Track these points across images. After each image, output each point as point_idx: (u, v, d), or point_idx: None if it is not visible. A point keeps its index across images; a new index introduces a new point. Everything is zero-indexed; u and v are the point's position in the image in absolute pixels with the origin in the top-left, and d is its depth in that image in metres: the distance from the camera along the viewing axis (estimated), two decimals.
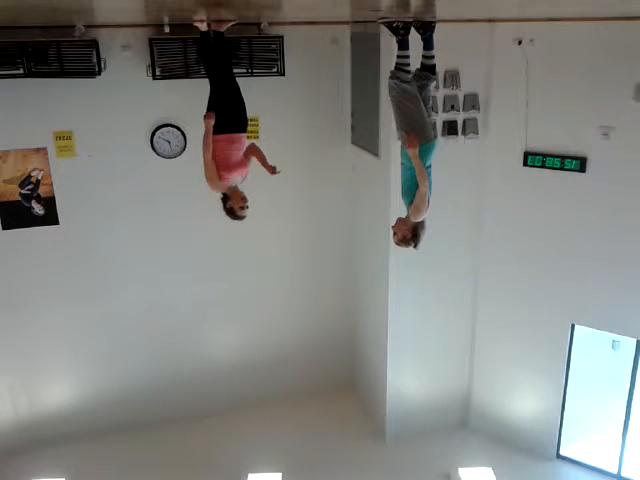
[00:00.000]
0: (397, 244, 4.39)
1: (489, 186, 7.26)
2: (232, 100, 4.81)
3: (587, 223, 6.78)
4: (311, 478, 7.39)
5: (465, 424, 8.20)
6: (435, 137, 4.26)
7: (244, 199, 4.72)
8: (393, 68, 4.17)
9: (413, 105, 4.01)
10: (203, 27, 4.80)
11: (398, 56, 4.15)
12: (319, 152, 7.77)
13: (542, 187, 6.96)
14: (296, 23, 6.62)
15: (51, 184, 7.19)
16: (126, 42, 6.79)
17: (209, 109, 4.75)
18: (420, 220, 4.28)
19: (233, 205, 4.73)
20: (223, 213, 7.69)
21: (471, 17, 6.35)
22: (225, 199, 4.76)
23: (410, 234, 4.33)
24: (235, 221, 4.81)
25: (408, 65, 4.11)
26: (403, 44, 4.13)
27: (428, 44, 4.24)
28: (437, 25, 4.33)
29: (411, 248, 4.46)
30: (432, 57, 4.26)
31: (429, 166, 4.23)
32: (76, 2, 4.09)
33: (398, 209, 6.81)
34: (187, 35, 6.73)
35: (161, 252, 7.72)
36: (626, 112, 6.27)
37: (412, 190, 4.21)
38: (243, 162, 4.81)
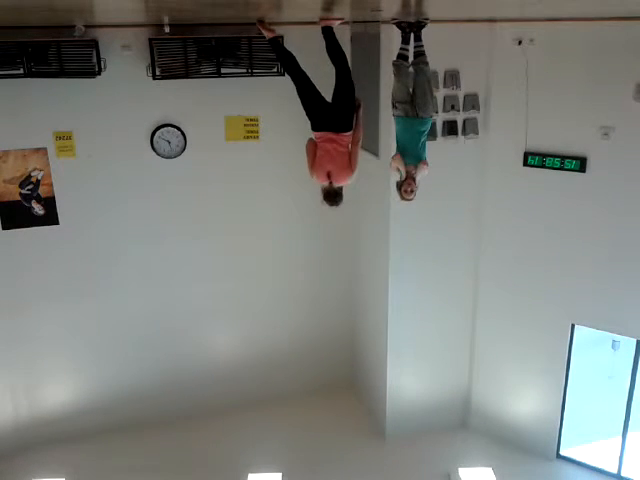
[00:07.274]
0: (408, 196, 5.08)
1: (489, 186, 7.26)
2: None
3: (587, 223, 6.78)
4: (311, 478, 7.40)
5: (465, 424, 8.20)
6: (416, 114, 4.97)
7: None
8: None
9: (403, 86, 5.04)
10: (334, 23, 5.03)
11: (401, 48, 5.06)
12: None
13: (542, 187, 6.95)
14: (296, 23, 6.61)
15: (51, 184, 7.19)
16: (126, 42, 6.80)
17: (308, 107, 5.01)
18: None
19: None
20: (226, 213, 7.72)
21: (471, 17, 6.34)
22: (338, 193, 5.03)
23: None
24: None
25: (407, 57, 5.03)
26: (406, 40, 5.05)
27: (418, 39, 5.15)
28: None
29: None
30: (422, 46, 5.12)
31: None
32: (76, 2, 4.09)
33: (398, 208, 6.87)
34: (187, 35, 6.74)
35: (161, 252, 7.72)
36: (626, 112, 6.27)
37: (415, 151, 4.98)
38: None
